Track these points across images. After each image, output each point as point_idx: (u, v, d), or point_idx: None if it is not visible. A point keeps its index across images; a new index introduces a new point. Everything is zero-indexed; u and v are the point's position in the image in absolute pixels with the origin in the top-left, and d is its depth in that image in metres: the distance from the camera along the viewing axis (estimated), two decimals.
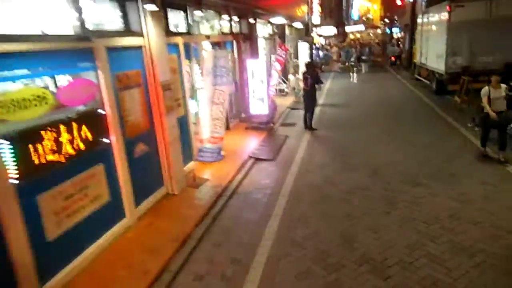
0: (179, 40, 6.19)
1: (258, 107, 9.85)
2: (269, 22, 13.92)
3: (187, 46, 6.76)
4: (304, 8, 19.73)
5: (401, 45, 27.12)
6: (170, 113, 5.36)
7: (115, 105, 4.44)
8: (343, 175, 6.53)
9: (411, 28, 21.97)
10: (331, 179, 6.39)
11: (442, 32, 12.31)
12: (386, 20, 55.46)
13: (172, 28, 6.33)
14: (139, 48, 5.01)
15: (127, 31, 4.89)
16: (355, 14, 50.31)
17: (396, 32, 36.62)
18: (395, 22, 52.64)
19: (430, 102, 12.33)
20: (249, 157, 7.69)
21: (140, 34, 4.96)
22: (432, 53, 13.87)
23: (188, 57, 6.67)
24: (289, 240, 4.52)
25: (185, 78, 6.40)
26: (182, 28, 6.88)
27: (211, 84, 5.79)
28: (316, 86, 10.01)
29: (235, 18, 9.93)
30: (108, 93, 4.28)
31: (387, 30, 51.60)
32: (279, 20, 13.03)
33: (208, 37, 7.99)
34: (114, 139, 4.42)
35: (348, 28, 46.84)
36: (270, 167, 7.31)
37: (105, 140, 4.30)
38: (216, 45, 8.76)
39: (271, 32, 14.68)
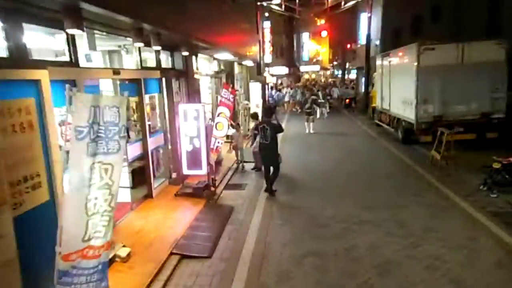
0: (42, 74, 3.59)
1: (194, 165, 7.31)
2: (214, 58, 11.77)
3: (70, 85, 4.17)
4: (255, 48, 18.07)
5: (354, 88, 26.47)
6: None
7: None
8: None
9: (366, 71, 21.18)
10: None
11: (409, 77, 10.88)
12: (335, 62, 57.14)
13: (33, 54, 3.75)
14: None
15: None
16: (305, 55, 51.02)
17: (349, 74, 36.71)
18: (343, 65, 54.24)
19: (402, 155, 10.57)
20: (171, 253, 5.03)
21: None
22: (397, 99, 12.45)
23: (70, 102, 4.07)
24: None
25: (55, 137, 3.76)
26: (53, 55, 4.33)
27: (86, 155, 3.22)
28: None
29: (165, 49, 7.56)
30: None
31: (336, 72, 52.84)
32: (224, 56, 10.94)
33: (117, 72, 5.47)
34: None
35: (303, 68, 46.91)
36: (202, 272, 4.70)
37: None
38: (130, 83, 6.24)
39: (217, 69, 12.51)
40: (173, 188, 7.45)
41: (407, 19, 19.05)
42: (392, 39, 19.61)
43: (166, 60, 7.88)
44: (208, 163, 7.43)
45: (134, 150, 6.54)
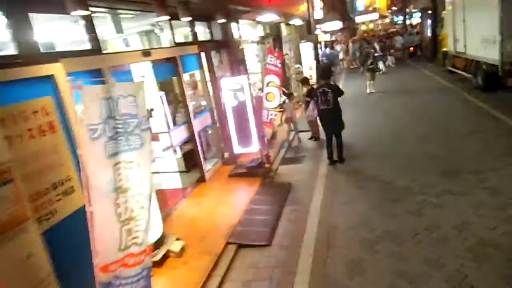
0: (55, 68, 3.21)
1: (246, 142, 6.81)
2: (258, 22, 10.88)
3: (93, 76, 3.81)
4: (303, 4, 16.59)
5: (420, 33, 23.57)
6: None
7: None
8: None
9: (433, 11, 18.58)
10: None
11: (490, 8, 9.01)
12: (394, 8, 51.94)
13: (41, 47, 3.39)
14: None
15: None
16: (360, 5, 46.91)
17: (410, 19, 32.91)
18: (403, 8, 48.99)
19: (485, 105, 8.98)
20: (227, 243, 4.65)
21: None
22: (475, 38, 10.55)
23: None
24: None
25: (84, 136, 3.43)
26: (69, 45, 3.96)
27: (105, 156, 2.81)
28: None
29: (200, 20, 6.96)
30: None
31: (396, 19, 48.02)
32: (269, 17, 10.00)
33: (147, 53, 5.02)
34: None
35: (359, 18, 43.32)
36: (261, 263, 4.26)
37: None
38: (165, 63, 5.78)
39: (263, 34, 11.63)
40: (227, 168, 7.07)
41: None
42: None
43: (203, 32, 7.29)
44: (261, 139, 6.88)
45: (180, 134, 6.19)
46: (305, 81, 8.87)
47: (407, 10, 32.16)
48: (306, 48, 16.90)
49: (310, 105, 7.73)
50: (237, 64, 7.97)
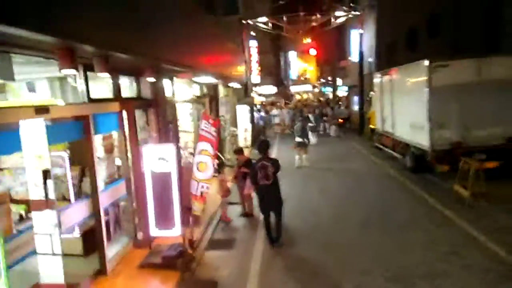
0: None
1: (166, 223, 5.56)
2: (195, 82, 10.16)
3: None
4: (241, 68, 16.62)
5: (347, 107, 25.14)
6: None
7: None
8: None
9: (360, 89, 19.92)
10: None
11: (419, 97, 9.45)
12: (322, 80, 56.43)
13: None
14: None
15: None
16: (293, 74, 50.11)
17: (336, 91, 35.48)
18: (329, 82, 53.39)
19: (416, 188, 8.99)
20: None
21: None
22: (404, 122, 11.00)
23: None
24: None
25: None
26: None
27: None
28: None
29: (125, 75, 5.93)
30: None
31: (323, 89, 51.94)
32: (206, 79, 9.37)
33: (42, 110, 3.79)
34: None
35: (293, 88, 45.71)
36: None
37: None
38: (72, 122, 4.57)
39: (199, 94, 10.90)
40: (139, 253, 5.67)
41: (401, 33, 17.91)
42: (387, 56, 18.48)
43: (129, 88, 6.23)
44: (186, 219, 5.73)
45: (76, 213, 4.80)
46: (239, 151, 8.08)
47: (336, 83, 34.74)
48: (242, 110, 16.63)
49: (247, 181, 6.87)
50: (166, 125, 6.95)
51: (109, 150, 5.74)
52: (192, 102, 10.19)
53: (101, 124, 5.11)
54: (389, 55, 18.36)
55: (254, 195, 7.07)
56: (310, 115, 18.66)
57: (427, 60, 9.04)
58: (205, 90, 11.56)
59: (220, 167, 7.59)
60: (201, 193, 6.25)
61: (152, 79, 5.70)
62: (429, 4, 14.67)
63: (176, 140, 7.80)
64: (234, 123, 14.85)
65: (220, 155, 11.57)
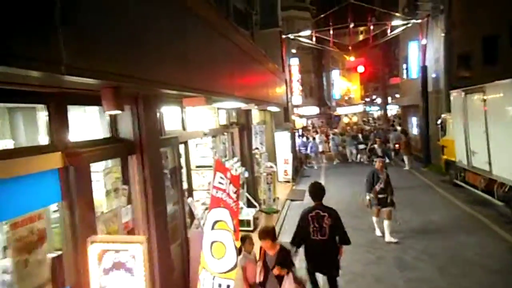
0: None
1: None
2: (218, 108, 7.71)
3: None
4: (280, 89, 13.93)
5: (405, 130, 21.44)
6: None
7: None
8: None
9: (424, 110, 16.59)
10: None
11: None
12: (367, 99, 52.95)
13: None
14: None
15: None
16: (336, 93, 46.99)
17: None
18: (374, 101, 49.65)
19: None
20: None
21: None
22: (508, 158, 7.82)
23: None
24: None
25: None
26: None
27: None
28: None
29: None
30: None
31: (368, 109, 48.35)
32: (231, 104, 6.87)
33: None
34: None
35: (341, 110, 42.61)
36: None
37: None
38: None
39: (225, 122, 8.45)
40: None
41: (477, 44, 14.62)
42: (458, 70, 15.22)
43: (90, 124, 3.82)
44: None
45: None
46: (266, 234, 4.18)
47: (386, 103, 31.28)
48: (282, 138, 14.04)
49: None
50: (158, 178, 4.45)
51: (28, 249, 3.12)
52: (215, 135, 7.73)
53: (14, 198, 2.66)
54: (461, 69, 15.12)
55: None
56: (376, 146, 15.54)
57: None
58: (234, 116, 9.12)
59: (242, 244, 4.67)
60: None
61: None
62: None
63: (181, 193, 5.28)
64: (273, 155, 12.21)
65: (251, 198, 8.97)
